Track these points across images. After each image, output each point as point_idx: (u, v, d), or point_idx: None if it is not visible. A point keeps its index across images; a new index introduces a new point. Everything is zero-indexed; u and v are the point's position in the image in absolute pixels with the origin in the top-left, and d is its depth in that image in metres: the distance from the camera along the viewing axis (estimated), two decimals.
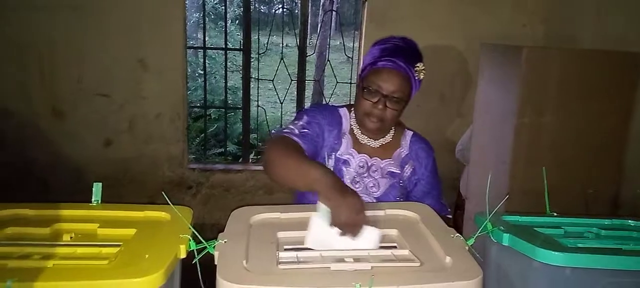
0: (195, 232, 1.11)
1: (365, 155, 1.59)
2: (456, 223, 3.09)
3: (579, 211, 1.68)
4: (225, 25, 4.19)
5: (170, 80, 3.44)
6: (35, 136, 3.43)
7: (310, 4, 4.02)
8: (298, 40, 3.86)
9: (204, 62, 4.14)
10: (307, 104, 5.17)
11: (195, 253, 1.08)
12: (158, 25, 3.35)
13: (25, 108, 3.38)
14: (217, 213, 3.53)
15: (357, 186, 1.57)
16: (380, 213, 1.28)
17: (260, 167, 3.92)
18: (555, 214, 1.38)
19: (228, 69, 4.11)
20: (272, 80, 4.01)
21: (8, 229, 1.14)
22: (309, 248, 1.11)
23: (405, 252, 1.09)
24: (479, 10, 3.50)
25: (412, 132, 1.70)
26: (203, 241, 1.07)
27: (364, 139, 1.61)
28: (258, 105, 4.07)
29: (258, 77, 4.10)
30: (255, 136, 5.38)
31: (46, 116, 3.41)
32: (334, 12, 5.73)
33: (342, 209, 1.13)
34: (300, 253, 1.07)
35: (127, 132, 3.50)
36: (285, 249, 1.09)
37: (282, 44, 4.04)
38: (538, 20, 3.52)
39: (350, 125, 1.62)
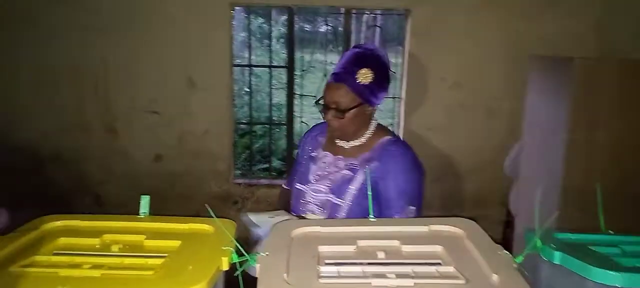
0: (238, 245, 1.12)
1: (330, 153, 1.76)
2: (506, 242, 2.98)
3: (638, 230, 1.58)
4: (270, 44, 4.26)
5: (217, 98, 3.52)
6: (89, 152, 3.59)
7: (353, 21, 4.03)
8: (340, 56, 3.87)
9: (250, 80, 4.22)
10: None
11: (238, 266, 1.08)
12: (206, 45, 3.45)
13: (81, 125, 3.54)
14: None
15: (318, 177, 1.74)
16: (424, 229, 1.26)
17: None
18: (611, 232, 1.30)
19: (273, 86, 4.18)
20: (315, 96, 4.04)
21: (60, 239, 1.19)
22: (351, 263, 1.09)
23: (449, 269, 1.06)
24: (526, 21, 3.41)
25: (388, 138, 1.73)
26: (245, 254, 1.08)
27: (340, 142, 1.76)
28: (302, 121, 4.10)
29: (302, 93, 4.14)
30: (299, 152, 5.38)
31: (100, 133, 3.56)
32: (377, 28, 5.72)
33: None
34: (341, 268, 1.06)
35: (176, 147, 3.60)
36: (326, 263, 1.08)
37: (326, 60, 4.06)
38: (588, 30, 3.40)
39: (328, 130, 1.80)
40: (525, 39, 3.41)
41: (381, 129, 1.77)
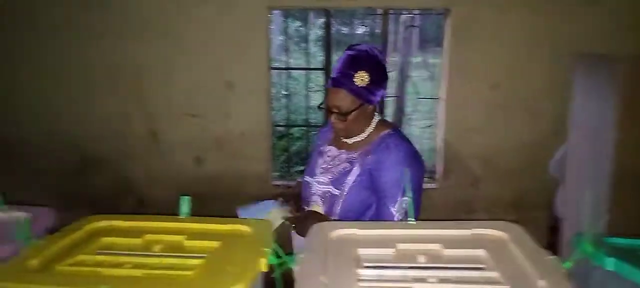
0: (276, 246, 1.12)
1: (335, 147, 1.85)
2: (552, 247, 2.88)
3: None
4: (307, 47, 4.28)
5: (255, 101, 3.55)
6: (132, 156, 3.69)
7: (391, 22, 3.99)
8: None
9: (287, 83, 4.24)
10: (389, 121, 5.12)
11: (276, 267, 1.08)
12: (244, 48, 3.49)
13: (123, 130, 3.64)
14: None
15: (322, 170, 1.84)
16: (466, 232, 1.22)
17: None
18: None
19: (310, 89, 4.18)
20: None
21: (104, 239, 1.21)
22: (391, 267, 1.07)
23: (493, 274, 1.02)
24: (568, 20, 3.30)
25: (387, 132, 1.76)
26: (283, 256, 1.08)
27: (344, 136, 1.82)
28: None
29: None
30: None
31: (142, 137, 3.65)
32: (415, 29, 5.65)
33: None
34: (381, 272, 1.04)
35: (215, 150, 3.65)
36: (365, 266, 1.06)
37: None
38: (631, 27, 3.25)
39: None
40: (567, 38, 3.30)
41: (382, 124, 1.81)
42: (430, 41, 5.23)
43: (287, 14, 4.15)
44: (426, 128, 4.25)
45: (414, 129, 5.03)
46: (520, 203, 3.62)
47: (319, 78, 4.23)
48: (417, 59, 6.75)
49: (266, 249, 1.10)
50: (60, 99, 3.61)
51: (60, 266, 1.02)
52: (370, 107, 1.74)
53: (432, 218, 1.51)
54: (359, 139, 1.79)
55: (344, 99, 1.69)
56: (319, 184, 1.83)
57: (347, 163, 1.78)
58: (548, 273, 0.98)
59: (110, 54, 3.51)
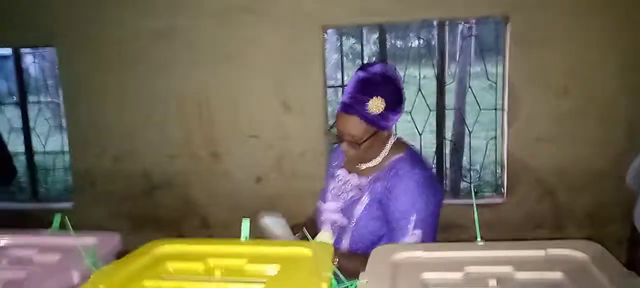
0: (337, 271, 1.09)
1: (346, 171, 1.75)
2: (632, 263, 2.67)
3: None
4: (362, 63, 4.26)
5: (312, 120, 3.56)
6: (195, 177, 3.79)
7: (447, 33, 3.90)
8: (436, 69, 3.76)
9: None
10: (449, 135, 4.97)
11: None
12: (300, 69, 3.52)
13: (187, 152, 3.75)
14: None
15: (333, 196, 1.76)
16: (541, 253, 1.14)
17: None
18: None
19: None
20: (410, 112, 3.94)
21: (168, 263, 1.23)
22: None
23: None
24: (635, 20, 3.08)
25: (401, 155, 1.65)
26: (344, 281, 1.04)
27: (356, 162, 1.72)
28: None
29: None
30: None
31: (205, 158, 3.75)
32: (473, 38, 5.50)
33: None
34: None
35: (275, 169, 3.69)
36: None
37: (419, 74, 3.96)
38: None
39: None
40: (636, 39, 3.08)
41: (398, 146, 1.69)
42: (489, 50, 5.07)
43: (342, 32, 4.15)
44: (489, 140, 4.09)
45: (477, 141, 4.87)
46: (595, 217, 3.39)
47: None
48: (476, 69, 6.57)
49: (327, 273, 1.08)
50: (129, 126, 3.78)
51: None
52: (385, 132, 1.63)
53: (498, 236, 1.43)
54: (371, 164, 1.68)
55: (356, 127, 1.57)
56: (329, 211, 1.75)
57: (357, 191, 1.67)
58: None
59: (176, 82, 3.65)
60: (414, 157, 1.67)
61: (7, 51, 4.13)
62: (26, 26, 3.74)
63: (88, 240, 1.38)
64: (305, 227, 1.73)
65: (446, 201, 3.69)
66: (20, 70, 4.17)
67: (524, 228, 3.47)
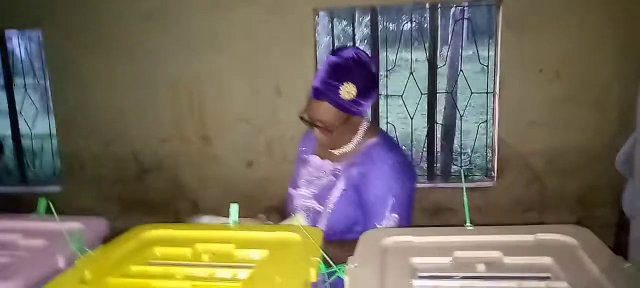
0: (325, 255, 1.08)
1: (318, 157, 1.71)
2: (620, 247, 2.69)
3: None
4: (353, 45, 4.22)
5: (304, 103, 3.53)
6: (186, 160, 3.76)
7: (439, 16, 3.88)
8: (427, 52, 3.74)
9: None
10: (440, 118, 4.98)
11: (326, 277, 1.04)
12: (291, 53, 3.49)
13: (178, 135, 3.72)
14: None
15: (305, 183, 1.71)
16: (529, 237, 1.13)
17: None
18: None
19: None
20: (401, 96, 3.93)
21: (155, 248, 1.21)
22: (448, 276, 1.01)
23: (562, 285, 0.94)
24: (630, 5, 3.07)
25: (375, 140, 1.62)
26: (333, 265, 1.03)
27: (329, 147, 1.67)
28: (388, 122, 4.01)
29: (387, 93, 4.05)
30: None
31: (196, 142, 3.73)
32: (465, 21, 5.47)
33: None
34: (437, 282, 0.98)
35: (266, 153, 3.67)
36: (420, 277, 1.01)
37: (411, 58, 3.95)
38: None
39: None
40: (633, 23, 3.07)
41: (370, 131, 1.65)
42: (481, 33, 5.06)
43: (333, 15, 4.11)
44: (480, 124, 4.09)
45: (468, 125, 4.87)
46: (584, 201, 3.42)
47: None
48: (468, 53, 6.56)
49: (316, 258, 1.07)
50: (118, 109, 3.74)
51: (113, 278, 1.03)
52: (358, 117, 1.60)
53: (488, 220, 1.43)
54: (345, 150, 1.64)
55: (327, 113, 1.52)
56: (302, 198, 1.70)
57: (331, 177, 1.64)
58: (624, 285, 0.89)
59: (167, 66, 3.61)
60: (388, 141, 1.66)
61: None
62: (12, 8, 3.67)
63: (74, 225, 1.36)
64: (277, 212, 1.76)
65: (437, 184, 3.72)
66: (5, 52, 4.10)
67: (513, 212, 3.49)
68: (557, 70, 3.26)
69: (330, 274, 1.05)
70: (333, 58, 1.54)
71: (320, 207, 1.62)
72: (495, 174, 3.56)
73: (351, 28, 7.44)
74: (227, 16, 3.48)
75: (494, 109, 3.55)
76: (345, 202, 1.59)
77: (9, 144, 4.36)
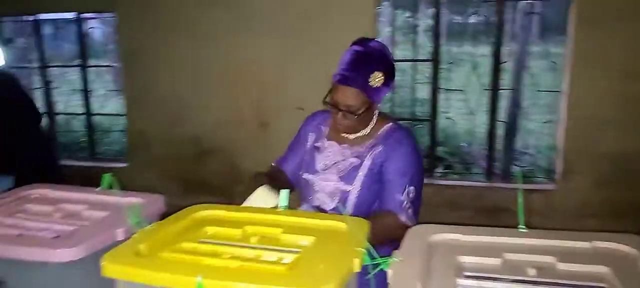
0: (371, 247, 1.08)
1: (335, 142, 1.77)
2: None
3: None
4: (415, 37, 4.15)
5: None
6: (242, 145, 3.86)
7: (507, 9, 3.73)
8: (493, 47, 3.61)
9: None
10: (502, 115, 4.81)
11: (370, 269, 1.04)
12: (350, 40, 3.46)
13: (237, 120, 3.82)
14: None
15: (325, 166, 1.76)
16: (587, 245, 1.08)
17: (447, 182, 3.78)
18: None
19: (419, 81, 4.06)
20: (463, 90, 3.83)
21: (207, 228, 1.26)
22: (495, 278, 0.98)
23: None
24: None
25: (391, 124, 1.75)
26: (377, 257, 1.03)
27: (348, 132, 1.75)
28: (447, 117, 3.92)
29: (448, 87, 3.95)
30: (444, 149, 5.19)
31: (253, 127, 3.81)
32: (535, 16, 5.23)
33: None
34: (484, 283, 0.95)
35: None
36: (466, 276, 0.98)
37: (475, 52, 3.83)
38: None
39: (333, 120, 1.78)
40: None
41: (383, 117, 1.78)
42: (552, 29, 4.82)
43: (397, 4, 4.06)
44: (545, 123, 3.92)
45: (531, 124, 4.66)
46: None
47: (427, 69, 4.09)
48: (536, 49, 6.28)
49: (360, 249, 1.07)
50: (181, 92, 3.88)
51: (165, 252, 1.07)
52: (377, 105, 1.72)
53: (547, 224, 1.37)
54: (362, 134, 1.74)
55: (355, 98, 1.63)
56: (324, 182, 1.75)
57: (354, 159, 1.72)
58: None
59: (228, 51, 3.70)
60: (404, 126, 1.80)
61: (71, 17, 4.30)
62: None
63: (134, 200, 1.43)
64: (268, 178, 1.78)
65: (495, 184, 3.60)
66: (82, 35, 4.35)
67: (575, 218, 3.33)
68: (632, 69, 3.06)
69: (374, 266, 1.04)
70: (360, 48, 1.66)
71: (348, 186, 1.71)
72: (558, 177, 3.40)
73: (414, 19, 7.30)
74: (288, 1, 3.52)
75: (561, 109, 3.39)
76: (372, 180, 1.70)
77: (81, 120, 4.64)
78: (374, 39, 1.72)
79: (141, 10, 3.82)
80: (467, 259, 1.05)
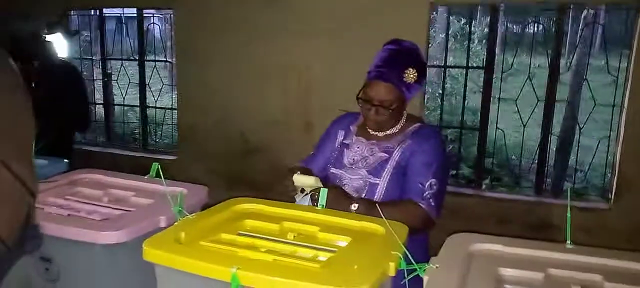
0: (407, 252, 1.06)
1: (363, 138, 1.83)
2: None
3: None
4: (469, 45, 4.06)
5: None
6: (289, 145, 3.89)
7: (569, 19, 3.58)
8: (550, 57, 3.48)
9: (443, 81, 4.08)
10: (557, 129, 4.62)
11: (405, 274, 1.02)
12: None
13: (284, 120, 3.86)
14: (440, 236, 3.42)
15: (353, 161, 1.81)
16: (636, 265, 1.02)
17: (494, 194, 3.67)
18: None
19: (471, 90, 3.97)
20: (515, 101, 3.71)
21: (246, 221, 1.28)
22: None
23: None
24: None
25: (420, 124, 1.80)
26: (413, 262, 1.01)
27: (372, 130, 1.82)
28: (498, 128, 3.81)
29: (501, 97, 3.84)
30: (492, 160, 5.05)
31: (299, 127, 3.83)
32: (598, 26, 5.00)
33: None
34: None
35: None
36: None
37: (531, 62, 3.70)
38: None
39: (362, 120, 1.86)
40: None
41: (412, 118, 1.84)
42: (615, 41, 4.59)
43: (452, 12, 3.98)
44: (602, 140, 3.74)
45: (587, 140, 4.45)
46: None
47: (479, 78, 3.99)
48: (598, 62, 6.01)
49: (396, 253, 1.05)
50: (231, 90, 3.96)
51: (204, 242, 1.10)
52: (407, 102, 1.78)
53: (599, 244, 1.30)
54: (390, 132, 1.80)
55: (390, 94, 1.70)
56: (351, 175, 1.80)
57: (383, 154, 1.77)
58: None
59: (280, 51, 3.74)
60: (431, 125, 1.88)
61: (133, 13, 4.49)
62: None
63: (178, 189, 1.47)
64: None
65: (544, 199, 3.47)
66: (142, 31, 4.52)
67: (629, 239, 3.15)
68: None
69: (409, 271, 1.03)
70: (395, 46, 1.76)
71: (376, 179, 1.75)
72: (612, 196, 3.23)
73: (469, 27, 7.15)
74: (340, 2, 3.52)
75: (619, 125, 3.22)
76: (399, 174, 1.73)
77: (136, 112, 4.82)
78: (405, 40, 1.81)
79: (198, 7, 3.92)
80: (508, 271, 1.02)
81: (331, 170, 1.88)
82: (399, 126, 1.80)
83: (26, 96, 0.57)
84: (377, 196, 1.74)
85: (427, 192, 1.67)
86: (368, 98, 1.74)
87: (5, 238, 0.55)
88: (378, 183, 1.74)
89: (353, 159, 1.83)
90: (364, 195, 1.75)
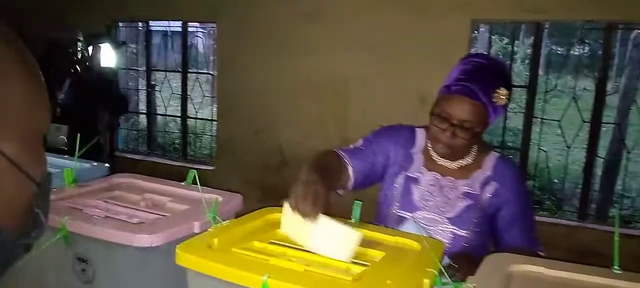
0: (443, 270, 1.03)
1: (437, 173, 1.52)
2: None
3: None
4: (511, 64, 3.97)
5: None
6: None
7: (617, 42, 3.47)
8: (596, 77, 3.36)
9: None
10: (603, 152, 4.44)
11: None
12: (440, 63, 3.37)
13: (321, 134, 3.86)
14: None
15: (427, 204, 1.50)
16: None
17: (536, 217, 3.56)
18: None
19: (512, 110, 3.88)
20: (559, 121, 3.59)
21: (279, 230, 1.27)
22: None
23: None
24: None
25: (498, 155, 1.55)
26: (449, 281, 0.98)
27: (440, 159, 1.53)
28: (540, 149, 3.69)
29: (543, 118, 3.73)
30: (534, 183, 4.89)
31: (335, 142, 3.82)
32: None
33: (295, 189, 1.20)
34: None
35: None
36: None
37: (576, 86, 3.59)
38: None
39: (426, 144, 1.56)
40: None
41: (483, 145, 1.58)
42: None
43: (494, 30, 3.91)
44: None
45: (635, 165, 4.26)
46: None
47: (522, 98, 3.89)
48: None
49: (432, 270, 1.02)
50: (269, 103, 4.01)
51: (236, 249, 1.10)
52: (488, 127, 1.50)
53: None
54: (465, 163, 1.51)
55: (475, 114, 1.40)
56: (428, 223, 1.48)
57: (467, 199, 1.48)
58: None
59: (318, 65, 3.78)
60: (508, 158, 1.67)
61: (178, 27, 4.63)
62: (194, 1, 4.15)
63: (213, 196, 1.48)
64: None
65: (588, 225, 3.33)
66: (185, 45, 4.65)
67: None
68: None
69: None
70: (482, 60, 1.50)
71: (463, 231, 1.47)
72: None
73: (512, 46, 7.01)
74: (381, 19, 3.52)
75: None
76: (487, 223, 1.50)
77: (177, 122, 4.93)
78: (493, 56, 1.62)
79: (240, 22, 4.01)
80: None
81: (396, 211, 1.55)
82: (472, 156, 1.52)
83: (37, 86, 0.57)
84: (467, 249, 1.47)
85: (539, 239, 1.51)
86: (446, 115, 1.42)
87: (4, 226, 0.55)
88: (464, 236, 1.47)
89: (425, 198, 1.51)
90: (448, 244, 1.44)
